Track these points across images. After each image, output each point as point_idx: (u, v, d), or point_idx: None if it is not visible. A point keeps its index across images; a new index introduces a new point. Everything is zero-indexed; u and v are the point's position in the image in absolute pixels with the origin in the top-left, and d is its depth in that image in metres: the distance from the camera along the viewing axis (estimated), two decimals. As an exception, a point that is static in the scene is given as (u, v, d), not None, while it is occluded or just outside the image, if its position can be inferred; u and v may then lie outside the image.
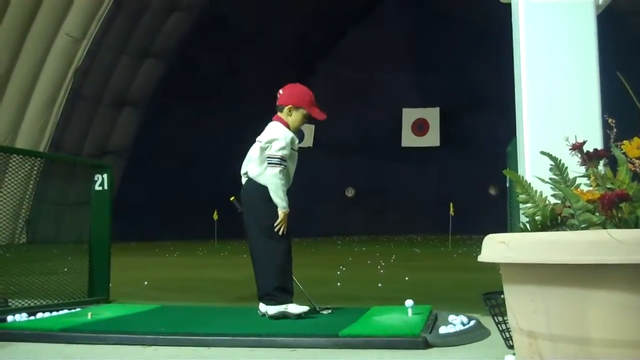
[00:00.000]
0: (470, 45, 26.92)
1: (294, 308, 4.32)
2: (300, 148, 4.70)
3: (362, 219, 30.18)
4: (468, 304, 4.59)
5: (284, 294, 4.35)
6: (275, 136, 4.44)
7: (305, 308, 4.35)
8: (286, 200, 4.43)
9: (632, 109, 1.91)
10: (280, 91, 4.67)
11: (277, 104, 4.62)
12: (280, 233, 4.42)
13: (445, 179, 29.76)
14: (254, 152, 4.56)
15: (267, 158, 4.43)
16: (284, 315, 4.29)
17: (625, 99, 2.03)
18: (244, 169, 4.59)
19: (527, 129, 2.72)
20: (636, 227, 1.71)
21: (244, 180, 4.62)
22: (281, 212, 4.42)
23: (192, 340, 3.65)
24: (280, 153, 4.40)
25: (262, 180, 4.47)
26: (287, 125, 4.55)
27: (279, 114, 4.60)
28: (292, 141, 4.49)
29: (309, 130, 28.18)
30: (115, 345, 3.65)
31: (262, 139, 4.52)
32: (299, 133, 4.70)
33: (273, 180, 4.39)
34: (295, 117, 4.56)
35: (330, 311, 4.35)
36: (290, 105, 4.56)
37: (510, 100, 3.02)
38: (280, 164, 4.39)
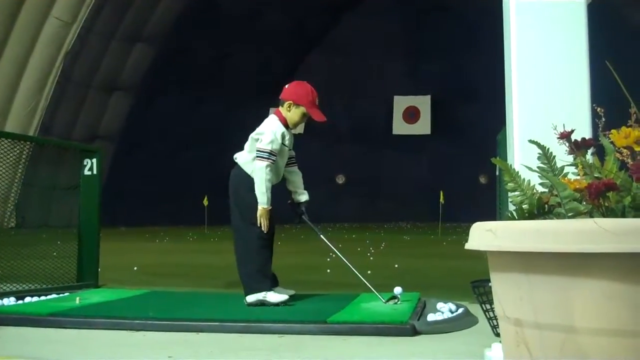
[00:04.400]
0: (463, 34, 26.92)
1: (272, 297, 4.31)
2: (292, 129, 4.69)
3: (352, 206, 30.22)
4: (457, 292, 4.61)
5: (262, 282, 4.34)
6: (267, 130, 4.42)
7: (284, 297, 4.32)
8: (267, 197, 4.37)
9: (621, 98, 1.92)
10: (286, 85, 4.63)
11: (280, 97, 4.60)
12: (262, 227, 4.38)
13: (435, 167, 29.82)
14: (249, 138, 4.57)
15: (256, 151, 4.40)
16: (262, 303, 4.29)
17: (614, 89, 2.04)
18: (236, 154, 4.61)
19: (517, 118, 2.72)
20: (623, 216, 1.72)
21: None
22: (260, 208, 4.37)
23: (181, 326, 3.66)
24: (269, 147, 4.36)
25: (247, 168, 4.47)
26: (285, 121, 4.53)
27: (279, 107, 4.59)
28: (282, 136, 4.45)
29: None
30: (103, 330, 3.66)
31: (258, 129, 4.52)
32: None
33: (258, 174, 4.36)
34: (293, 114, 4.53)
35: (397, 301, 4.27)
36: (290, 101, 4.53)
37: (501, 89, 3.02)
38: (268, 158, 4.36)
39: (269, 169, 4.36)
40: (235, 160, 4.59)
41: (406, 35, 29.86)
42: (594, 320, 1.58)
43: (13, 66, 20.35)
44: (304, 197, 4.69)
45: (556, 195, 1.81)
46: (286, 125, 4.53)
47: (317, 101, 4.58)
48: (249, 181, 4.45)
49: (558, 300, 1.63)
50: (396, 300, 4.24)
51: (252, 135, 4.52)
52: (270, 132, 4.41)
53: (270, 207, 4.41)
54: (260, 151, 4.38)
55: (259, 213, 4.38)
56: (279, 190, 4.69)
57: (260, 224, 4.38)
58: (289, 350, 3.15)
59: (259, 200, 4.37)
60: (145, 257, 9.41)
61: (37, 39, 20.43)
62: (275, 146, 4.40)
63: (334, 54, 30.74)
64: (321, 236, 4.72)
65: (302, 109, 4.52)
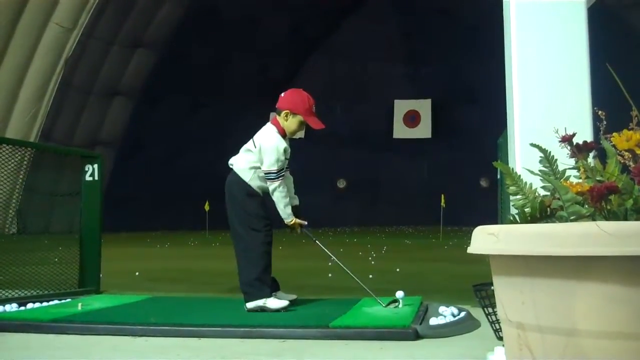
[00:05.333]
0: (463, 38, 26.92)
1: (272, 303, 4.30)
2: (292, 139, 4.69)
3: (353, 210, 30.21)
4: (459, 296, 4.61)
5: (262, 290, 4.33)
6: (269, 148, 4.42)
7: (284, 303, 4.32)
8: (287, 212, 4.52)
9: (622, 101, 1.92)
10: (282, 94, 4.62)
11: (276, 106, 4.60)
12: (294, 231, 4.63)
13: (436, 171, 29.81)
14: (246, 147, 4.57)
15: (264, 174, 4.44)
16: (262, 310, 4.28)
17: (615, 92, 2.04)
18: (231, 160, 4.61)
19: (518, 121, 2.72)
20: (625, 219, 1.72)
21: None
22: (288, 222, 4.58)
23: (183, 331, 3.65)
24: (275, 167, 4.40)
25: (244, 176, 4.49)
26: (283, 130, 4.53)
27: (276, 116, 4.59)
28: (284, 151, 4.47)
29: (300, 121, 28.15)
30: (105, 336, 3.65)
31: (255, 140, 4.52)
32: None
33: (276, 195, 4.45)
34: (291, 123, 4.52)
35: (398, 304, 4.27)
36: (287, 110, 4.52)
37: (502, 92, 3.03)
38: (277, 178, 4.42)
39: (281, 186, 4.45)
40: (231, 166, 4.59)
41: (406, 39, 29.88)
42: (596, 323, 1.57)
43: (14, 72, 20.37)
44: (295, 201, 4.75)
45: (558, 199, 1.81)
46: (284, 134, 4.54)
47: (314, 109, 4.57)
48: (246, 187, 4.48)
49: (560, 303, 1.63)
50: (397, 304, 4.23)
51: (249, 147, 4.53)
52: (273, 150, 4.41)
53: (294, 219, 4.59)
54: (268, 173, 4.42)
55: (291, 226, 4.60)
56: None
57: (262, 229, 4.43)
58: (292, 355, 3.15)
59: (284, 217, 4.54)
60: (147, 263, 9.40)
61: (38, 45, 20.45)
62: (280, 164, 4.43)
63: (334, 58, 30.76)
64: (316, 242, 4.75)
65: (299, 118, 4.51)
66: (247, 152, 4.54)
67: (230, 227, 4.56)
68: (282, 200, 4.46)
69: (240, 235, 4.48)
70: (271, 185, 4.43)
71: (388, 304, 4.25)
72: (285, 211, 4.51)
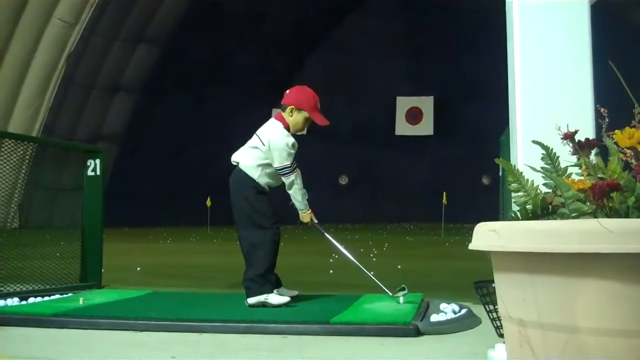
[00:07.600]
0: (465, 35, 26.88)
1: (274, 298, 4.31)
2: (294, 136, 4.69)
3: (355, 207, 30.18)
4: (460, 292, 4.61)
5: (264, 284, 4.34)
6: (278, 145, 4.45)
7: (286, 299, 4.33)
8: (305, 203, 4.61)
9: (625, 98, 1.92)
10: (287, 91, 4.65)
11: (281, 102, 4.62)
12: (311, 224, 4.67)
13: (438, 168, 29.75)
14: (251, 143, 4.57)
15: (278, 171, 4.48)
16: (263, 305, 4.29)
17: (618, 89, 2.04)
18: (235, 157, 4.59)
19: (520, 118, 2.72)
20: (627, 216, 1.72)
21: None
22: (304, 214, 4.65)
23: (184, 326, 3.66)
24: (289, 162, 4.46)
25: (252, 173, 4.49)
26: (288, 126, 4.56)
27: (281, 112, 4.60)
28: (293, 146, 4.50)
29: (302, 117, 28.14)
30: (106, 331, 3.66)
31: (262, 137, 4.52)
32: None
33: (294, 188, 4.53)
34: (296, 119, 4.56)
35: (405, 292, 4.29)
36: (292, 106, 4.55)
37: (504, 89, 3.02)
38: (293, 171, 4.49)
39: (298, 178, 4.52)
40: (235, 163, 4.58)
41: (408, 36, 29.82)
42: (597, 320, 1.58)
43: (16, 67, 20.36)
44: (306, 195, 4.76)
45: (560, 196, 1.81)
46: (289, 130, 4.56)
47: (319, 105, 4.60)
48: (255, 185, 4.48)
49: (561, 300, 1.63)
50: (405, 292, 4.25)
51: (254, 144, 4.53)
52: (283, 147, 4.44)
53: (309, 210, 4.67)
54: (283, 168, 4.46)
55: (307, 217, 4.65)
56: (280, 193, 4.70)
57: (271, 227, 4.44)
58: (292, 350, 3.15)
59: (300, 208, 4.63)
60: (148, 258, 9.41)
61: (40, 40, 20.43)
62: (292, 157, 4.49)
63: (336, 55, 30.70)
64: (325, 234, 4.77)
65: (304, 114, 4.55)
66: (253, 149, 4.53)
67: (237, 225, 4.54)
68: (299, 192, 4.55)
69: (249, 233, 4.47)
70: (288, 179, 4.50)
71: (396, 293, 4.28)
72: (302, 202, 4.59)
